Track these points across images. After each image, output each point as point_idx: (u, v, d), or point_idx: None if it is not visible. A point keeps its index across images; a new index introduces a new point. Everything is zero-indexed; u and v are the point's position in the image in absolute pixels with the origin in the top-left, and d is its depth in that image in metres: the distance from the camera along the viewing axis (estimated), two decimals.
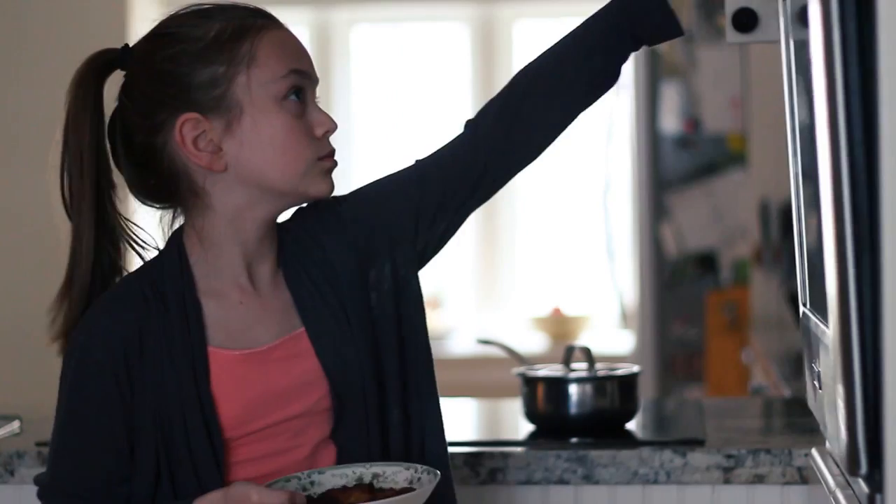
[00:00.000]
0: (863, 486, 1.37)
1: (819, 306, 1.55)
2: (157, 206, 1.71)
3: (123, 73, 1.69)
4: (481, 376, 5.12)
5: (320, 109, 1.69)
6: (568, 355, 2.28)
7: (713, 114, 5.08)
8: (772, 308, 4.39)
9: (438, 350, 6.23)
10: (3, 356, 5.66)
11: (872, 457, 1.30)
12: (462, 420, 2.56)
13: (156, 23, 1.69)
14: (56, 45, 5.83)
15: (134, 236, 1.71)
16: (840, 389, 1.32)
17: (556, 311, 5.91)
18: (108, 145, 1.68)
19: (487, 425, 2.58)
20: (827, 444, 1.67)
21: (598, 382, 2.21)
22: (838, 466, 1.57)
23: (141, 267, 1.71)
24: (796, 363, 3.22)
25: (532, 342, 5.80)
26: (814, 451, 1.80)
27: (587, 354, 2.27)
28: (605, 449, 2.10)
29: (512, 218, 6.10)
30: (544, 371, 2.26)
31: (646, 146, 5.13)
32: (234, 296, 1.68)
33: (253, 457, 1.68)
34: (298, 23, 5.96)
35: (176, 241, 1.69)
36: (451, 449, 2.12)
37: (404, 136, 6.12)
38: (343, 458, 1.70)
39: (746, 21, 1.87)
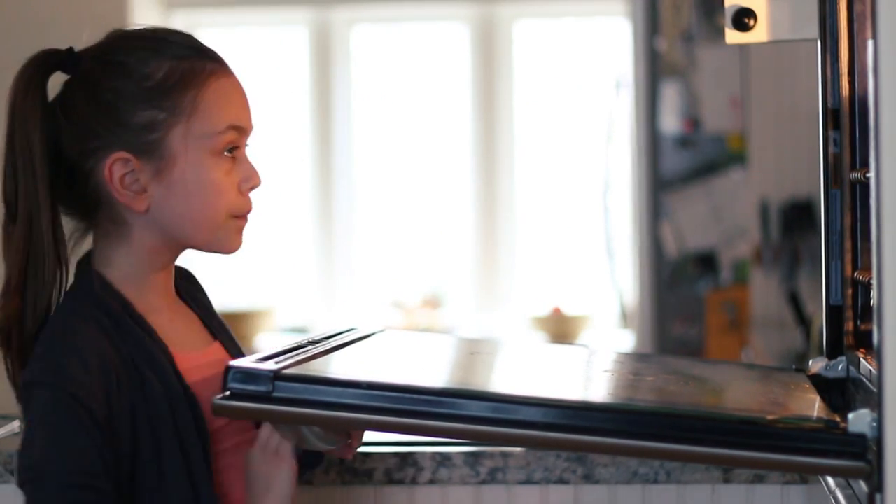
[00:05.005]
0: (863, 486, 1.37)
1: None
2: (69, 213, 1.71)
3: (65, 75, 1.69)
4: None
5: (250, 164, 1.71)
6: None
7: (713, 113, 5.08)
8: (772, 308, 4.39)
9: None
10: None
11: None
12: None
13: (108, 37, 1.70)
14: (55, 46, 5.82)
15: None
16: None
17: (556, 311, 5.91)
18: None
19: None
20: None
21: None
22: None
23: (66, 297, 1.69)
24: (796, 362, 3.22)
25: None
26: None
27: None
28: None
29: (512, 218, 6.10)
30: None
31: (646, 146, 5.13)
32: (164, 309, 1.73)
33: (230, 446, 1.71)
34: (298, 23, 5.96)
35: (91, 270, 1.69)
36: (451, 448, 2.13)
37: (404, 136, 6.12)
38: None
39: (746, 21, 1.87)
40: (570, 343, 5.64)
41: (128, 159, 1.65)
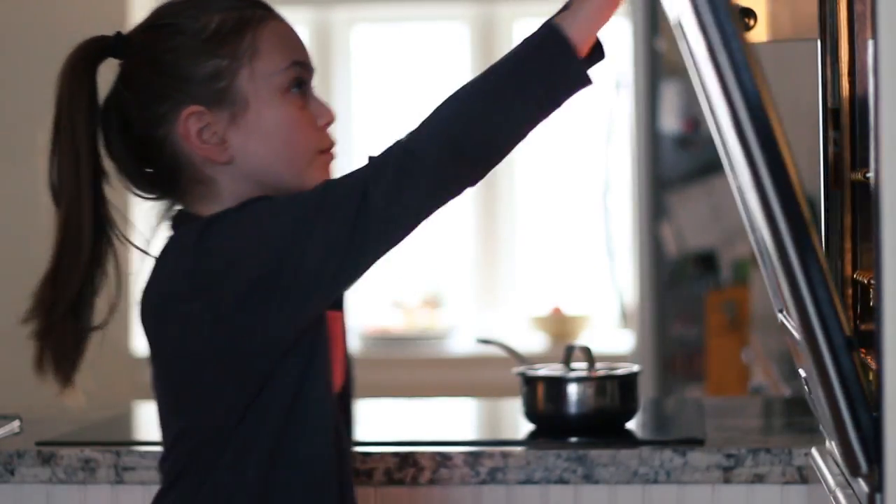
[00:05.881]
0: (863, 486, 1.37)
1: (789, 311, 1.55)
2: (150, 196, 1.70)
3: (118, 61, 1.68)
4: (481, 376, 5.12)
5: (320, 100, 1.70)
6: (568, 355, 2.28)
7: None
8: (772, 308, 4.39)
9: (438, 350, 6.23)
10: (3, 356, 5.65)
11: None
12: (462, 419, 2.56)
13: (150, 12, 1.69)
14: (56, 45, 5.82)
15: (118, 229, 1.68)
16: (820, 392, 1.32)
17: (556, 311, 5.91)
18: (100, 133, 1.66)
19: (487, 425, 2.58)
20: (827, 444, 1.67)
21: (598, 382, 2.21)
22: (838, 466, 1.57)
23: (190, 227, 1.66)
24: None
25: (532, 342, 5.80)
26: (814, 451, 1.80)
27: (587, 354, 2.27)
28: (605, 448, 2.10)
29: (512, 217, 6.10)
30: (544, 370, 2.26)
31: (646, 146, 5.13)
32: None
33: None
34: (299, 23, 5.94)
35: (204, 217, 1.65)
36: (451, 448, 2.13)
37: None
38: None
39: (746, 21, 1.87)
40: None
41: (201, 112, 1.63)
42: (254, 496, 1.62)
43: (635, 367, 2.27)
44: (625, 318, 5.68)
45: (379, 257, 1.59)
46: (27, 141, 5.90)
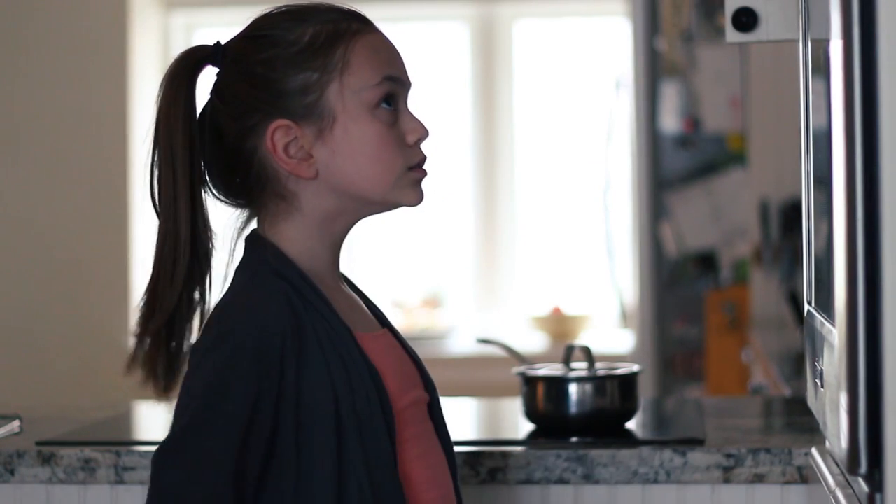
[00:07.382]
0: (863, 486, 1.37)
1: (825, 306, 1.55)
2: (233, 203, 1.69)
3: (215, 70, 1.69)
4: (481, 376, 5.12)
5: (413, 116, 1.69)
6: (568, 354, 2.28)
7: (713, 113, 5.08)
8: (772, 307, 4.39)
9: (438, 349, 6.22)
10: (3, 356, 5.67)
11: (872, 456, 1.30)
12: (462, 419, 2.56)
13: (251, 21, 1.69)
14: (56, 45, 5.83)
15: (214, 241, 1.67)
16: (843, 388, 1.32)
17: (556, 311, 5.92)
18: (198, 141, 1.66)
19: (487, 425, 2.58)
20: (827, 444, 1.67)
21: (598, 382, 2.21)
22: (838, 465, 1.57)
23: (240, 272, 1.66)
24: (796, 362, 3.22)
25: (532, 341, 5.81)
26: (813, 451, 1.80)
27: (587, 354, 2.27)
28: (605, 448, 2.10)
29: (512, 217, 6.10)
30: (544, 370, 2.26)
31: (646, 146, 5.13)
32: (335, 288, 1.68)
33: (413, 434, 1.67)
34: None
35: (265, 242, 1.65)
36: None
37: None
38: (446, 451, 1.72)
39: (746, 21, 1.87)
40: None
41: (288, 126, 1.62)
42: None
43: (635, 367, 2.27)
44: (625, 318, 5.68)
45: None
46: (25, 142, 5.94)
